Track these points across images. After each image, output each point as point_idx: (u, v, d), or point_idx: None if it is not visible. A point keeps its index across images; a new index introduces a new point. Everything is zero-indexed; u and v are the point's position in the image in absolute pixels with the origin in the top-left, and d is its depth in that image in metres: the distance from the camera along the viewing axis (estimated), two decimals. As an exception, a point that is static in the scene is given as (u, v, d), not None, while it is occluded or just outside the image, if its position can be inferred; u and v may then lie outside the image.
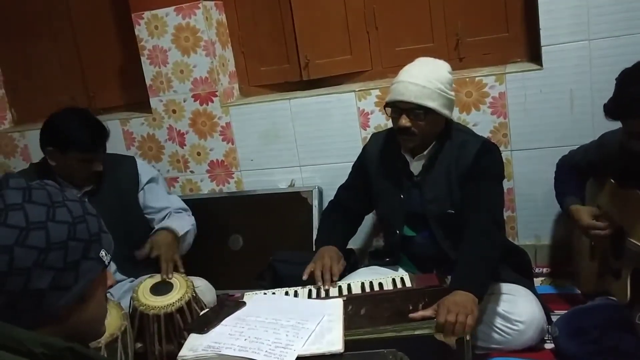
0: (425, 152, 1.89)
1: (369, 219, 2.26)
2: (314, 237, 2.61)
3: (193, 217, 2.29)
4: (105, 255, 0.89)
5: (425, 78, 1.78)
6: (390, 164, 1.98)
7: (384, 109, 1.89)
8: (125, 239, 2.00)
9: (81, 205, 0.88)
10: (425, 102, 1.77)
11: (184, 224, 2.17)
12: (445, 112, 1.82)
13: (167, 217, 2.21)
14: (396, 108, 1.82)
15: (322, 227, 2.12)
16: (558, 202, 2.04)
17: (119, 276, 2.08)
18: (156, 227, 2.11)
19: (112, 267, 2.06)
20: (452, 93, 1.86)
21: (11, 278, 0.79)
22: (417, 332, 1.46)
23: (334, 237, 2.00)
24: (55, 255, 0.81)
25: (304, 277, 1.81)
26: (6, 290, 0.79)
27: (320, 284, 1.78)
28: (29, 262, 0.79)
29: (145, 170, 2.25)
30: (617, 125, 1.74)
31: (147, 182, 2.22)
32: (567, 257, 2.24)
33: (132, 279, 2.08)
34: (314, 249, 2.01)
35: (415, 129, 1.81)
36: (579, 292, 2.15)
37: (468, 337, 1.46)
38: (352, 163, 2.15)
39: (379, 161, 2.01)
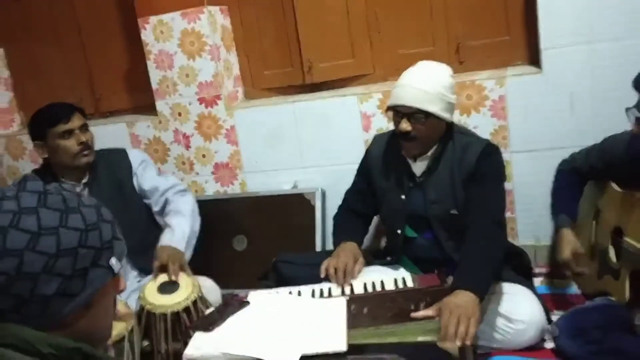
0: (428, 154, 1.91)
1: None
2: (317, 238, 2.65)
3: (191, 196, 2.24)
4: (116, 262, 0.87)
5: (426, 82, 1.79)
6: (392, 165, 1.99)
7: (386, 112, 1.90)
8: (130, 230, 2.01)
9: (96, 212, 0.87)
10: (425, 106, 1.78)
11: (182, 226, 2.09)
12: (446, 115, 1.83)
13: (166, 205, 2.18)
14: (397, 112, 1.84)
15: (338, 228, 2.11)
16: (551, 212, 2.03)
17: (129, 269, 2.11)
18: (158, 245, 2.03)
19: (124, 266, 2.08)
20: (453, 97, 1.86)
21: (19, 282, 0.78)
22: (419, 339, 1.45)
23: (352, 234, 2.02)
24: (64, 262, 0.80)
25: (322, 276, 1.83)
26: (13, 294, 0.78)
27: (333, 281, 1.80)
28: (38, 267, 0.78)
29: (135, 155, 2.25)
30: (618, 129, 1.75)
31: (139, 165, 2.21)
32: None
33: (139, 279, 2.12)
34: (333, 248, 2.01)
35: (415, 133, 1.82)
36: (579, 292, 2.17)
37: (469, 342, 1.45)
38: (355, 165, 2.17)
39: (382, 162, 2.02)
